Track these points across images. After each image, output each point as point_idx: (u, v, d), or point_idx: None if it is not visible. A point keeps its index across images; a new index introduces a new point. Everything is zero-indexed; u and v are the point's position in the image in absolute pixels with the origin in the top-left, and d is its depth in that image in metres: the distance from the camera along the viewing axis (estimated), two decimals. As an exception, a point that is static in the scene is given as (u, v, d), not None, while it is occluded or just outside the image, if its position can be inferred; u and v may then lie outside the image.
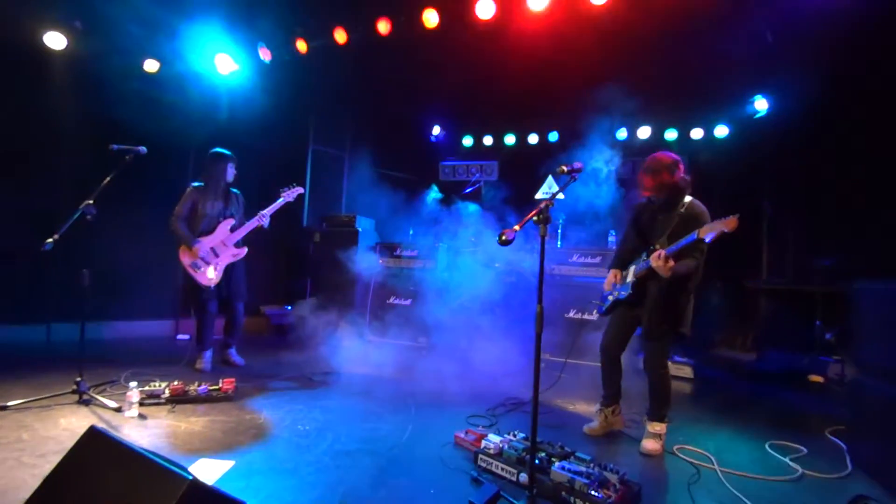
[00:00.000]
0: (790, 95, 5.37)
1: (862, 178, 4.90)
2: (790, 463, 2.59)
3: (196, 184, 3.92)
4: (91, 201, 2.98)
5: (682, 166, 2.74)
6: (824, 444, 2.93)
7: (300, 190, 4.12)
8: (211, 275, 3.79)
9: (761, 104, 5.66)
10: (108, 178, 3.04)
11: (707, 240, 2.38)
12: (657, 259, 2.53)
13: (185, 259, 3.80)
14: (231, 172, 3.99)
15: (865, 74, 4.66)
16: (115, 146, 3.09)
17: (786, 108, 5.50)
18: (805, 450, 2.76)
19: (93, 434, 1.25)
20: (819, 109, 5.05)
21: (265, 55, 5.19)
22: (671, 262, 2.51)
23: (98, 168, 3.05)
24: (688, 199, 2.73)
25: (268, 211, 3.95)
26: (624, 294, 2.86)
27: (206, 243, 3.81)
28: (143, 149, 3.18)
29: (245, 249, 3.95)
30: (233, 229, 3.90)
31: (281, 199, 4.03)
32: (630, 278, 2.84)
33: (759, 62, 4.99)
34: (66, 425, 2.60)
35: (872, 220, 4.78)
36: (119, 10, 4.51)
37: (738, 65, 5.00)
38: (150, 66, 5.00)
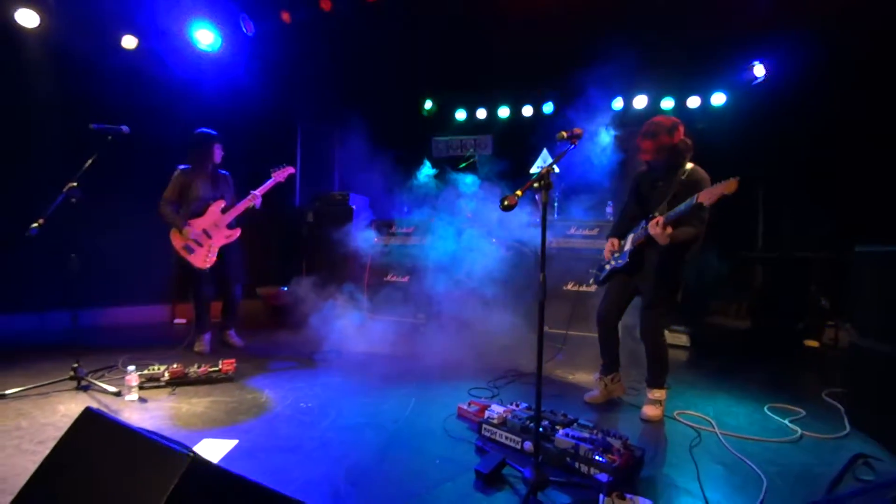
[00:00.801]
0: (788, 61, 5.27)
1: (859, 147, 4.86)
2: (789, 424, 2.62)
3: (183, 167, 3.82)
4: (75, 184, 2.89)
5: (681, 128, 2.69)
6: (822, 406, 2.97)
7: (291, 170, 4.02)
8: (205, 257, 3.72)
9: (759, 70, 5.55)
10: (91, 160, 2.94)
11: (706, 204, 2.35)
12: (655, 226, 2.50)
13: (177, 242, 3.73)
14: (218, 153, 3.88)
15: (864, 40, 4.56)
16: (95, 126, 2.98)
17: (784, 74, 5.40)
18: (803, 412, 2.80)
19: (89, 415, 1.22)
20: (817, 75, 4.96)
21: (248, 28, 4.99)
22: (669, 230, 2.48)
23: (80, 149, 2.95)
24: (689, 165, 2.68)
25: (259, 191, 3.87)
26: (621, 263, 2.84)
27: (197, 225, 3.74)
28: (125, 128, 3.07)
29: (238, 230, 3.89)
30: (224, 210, 3.82)
31: (272, 179, 3.94)
32: (628, 246, 2.82)
33: (757, 26, 4.86)
34: (66, 411, 2.58)
35: (867, 187, 4.76)
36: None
37: (735, 29, 4.88)
38: (128, 42, 4.79)
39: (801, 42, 4.72)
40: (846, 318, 4.13)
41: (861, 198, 4.78)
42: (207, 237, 3.77)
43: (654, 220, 2.51)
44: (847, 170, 4.95)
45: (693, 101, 6.01)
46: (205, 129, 3.85)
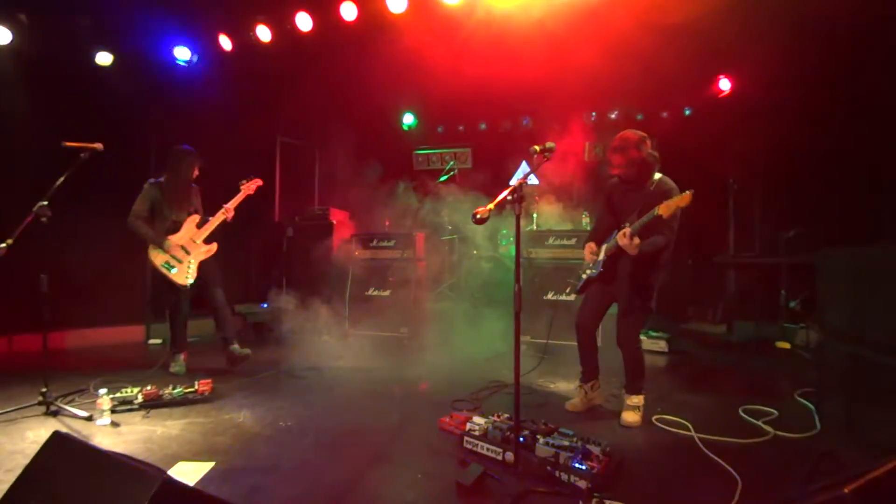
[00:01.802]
0: (751, 75, 5.51)
1: (820, 154, 5.09)
2: (763, 425, 2.69)
3: (153, 180, 3.75)
4: (45, 202, 2.82)
5: (648, 143, 2.77)
6: (794, 406, 3.05)
7: (259, 181, 4.01)
8: (186, 273, 3.66)
9: (724, 84, 5.80)
10: (63, 178, 2.89)
11: (666, 216, 2.46)
12: (623, 237, 2.58)
13: (157, 259, 3.65)
14: (195, 169, 3.83)
15: (822, 52, 4.81)
16: (67, 143, 2.93)
17: (748, 87, 5.65)
18: (776, 412, 2.87)
19: (57, 439, 1.19)
20: (779, 87, 5.21)
21: (226, 44, 5.00)
22: (637, 240, 2.56)
23: (52, 167, 2.89)
24: (657, 175, 2.77)
25: (230, 204, 3.82)
26: (596, 273, 2.91)
27: (174, 241, 3.69)
28: (99, 145, 3.02)
29: (215, 245, 3.83)
30: (199, 225, 3.77)
31: (241, 192, 3.91)
32: (601, 256, 2.89)
33: (721, 42, 5.08)
34: (35, 438, 2.48)
35: (831, 192, 4.97)
36: (67, 2, 4.26)
37: (700, 45, 5.09)
38: (103, 58, 4.75)
39: (763, 54, 4.94)
40: (814, 319, 4.28)
41: (827, 203, 4.99)
42: (185, 253, 3.71)
43: (622, 233, 2.59)
44: (813, 176, 5.17)
45: (664, 113, 6.22)
46: (186, 146, 3.81)
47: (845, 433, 2.53)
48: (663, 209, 2.44)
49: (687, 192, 2.37)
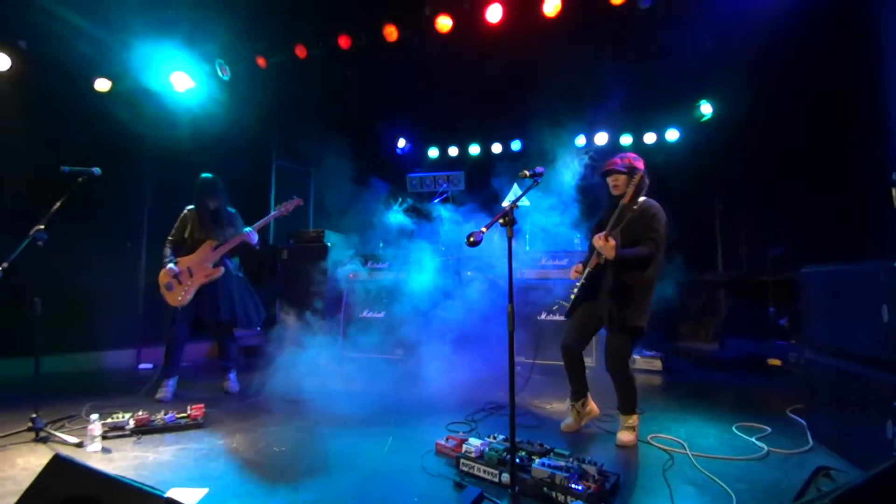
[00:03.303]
0: (732, 98, 5.73)
1: (802, 173, 5.27)
2: (756, 442, 2.72)
3: (190, 207, 3.88)
4: (42, 226, 2.85)
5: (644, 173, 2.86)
6: (786, 423, 3.09)
7: (298, 202, 4.01)
8: (180, 295, 3.67)
9: (706, 108, 6.02)
10: (60, 202, 2.92)
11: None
12: (598, 240, 2.62)
13: (162, 280, 3.74)
14: (218, 196, 3.86)
15: (798, 75, 5.04)
16: (66, 168, 2.97)
17: (729, 110, 5.86)
18: (769, 429, 2.91)
19: (58, 462, 1.19)
20: (759, 110, 5.41)
21: (223, 72, 5.12)
22: (612, 241, 2.60)
23: (50, 192, 2.92)
24: (642, 198, 2.84)
25: (254, 227, 3.84)
26: (580, 284, 2.90)
27: (183, 263, 3.74)
28: (96, 170, 3.07)
29: (221, 269, 3.80)
30: (216, 248, 3.79)
31: (276, 211, 3.93)
32: (586, 271, 2.89)
33: (702, 68, 5.31)
34: (24, 465, 2.44)
35: (814, 210, 5.12)
36: (66, 29, 4.35)
37: (682, 71, 5.31)
38: (102, 85, 4.83)
39: (742, 79, 5.16)
40: (800, 335, 4.35)
41: (811, 220, 5.12)
42: (189, 275, 3.74)
43: (597, 235, 2.65)
44: (797, 194, 5.32)
45: (649, 137, 6.41)
46: (205, 174, 3.88)
47: (836, 447, 2.56)
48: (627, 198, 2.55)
49: None
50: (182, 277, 3.72)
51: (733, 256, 5.97)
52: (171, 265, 3.69)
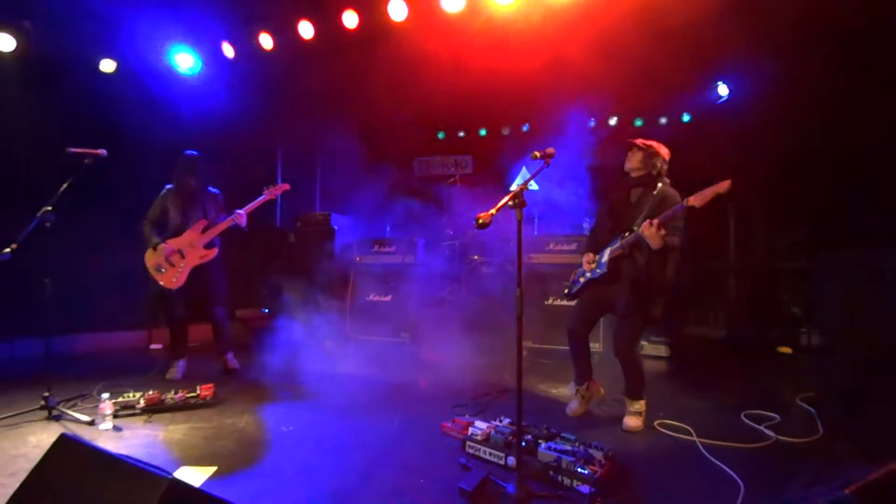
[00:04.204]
0: (750, 78, 5.55)
1: (822, 158, 5.12)
2: (764, 430, 2.69)
3: (169, 186, 3.80)
4: (50, 207, 2.85)
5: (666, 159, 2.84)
6: (796, 411, 3.05)
7: (285, 186, 3.98)
8: (173, 277, 3.65)
9: (723, 89, 5.84)
10: (67, 183, 2.91)
11: (698, 206, 2.47)
12: (648, 227, 2.56)
13: (150, 262, 3.66)
14: (201, 174, 3.82)
15: (823, 57, 4.85)
16: (71, 149, 2.96)
17: (746, 91, 5.68)
18: (778, 417, 2.87)
19: (64, 442, 1.20)
20: (778, 90, 5.24)
21: (228, 51, 5.05)
22: (662, 231, 2.55)
23: (56, 173, 2.92)
24: (660, 185, 2.80)
25: (245, 209, 3.79)
26: (599, 273, 2.89)
27: (172, 245, 3.67)
28: (103, 151, 3.05)
29: (215, 251, 3.79)
30: (205, 230, 3.76)
31: (262, 196, 3.87)
32: (605, 258, 2.87)
33: (718, 47, 5.12)
34: (37, 442, 2.49)
35: (833, 197, 4.99)
36: (71, 9, 4.30)
37: (698, 50, 5.13)
38: (107, 65, 4.79)
39: (761, 57, 4.97)
40: (814, 323, 4.28)
41: (827, 207, 5.00)
42: (181, 257, 3.68)
43: (647, 221, 2.58)
44: (813, 181, 5.19)
45: (662, 120, 6.25)
46: (189, 151, 3.82)
47: (847, 437, 2.53)
48: (696, 199, 2.45)
49: (725, 181, 2.36)
50: (174, 259, 3.67)
51: (747, 243, 5.86)
52: (162, 245, 3.62)
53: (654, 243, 2.58)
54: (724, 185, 2.37)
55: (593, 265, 2.95)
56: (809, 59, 4.74)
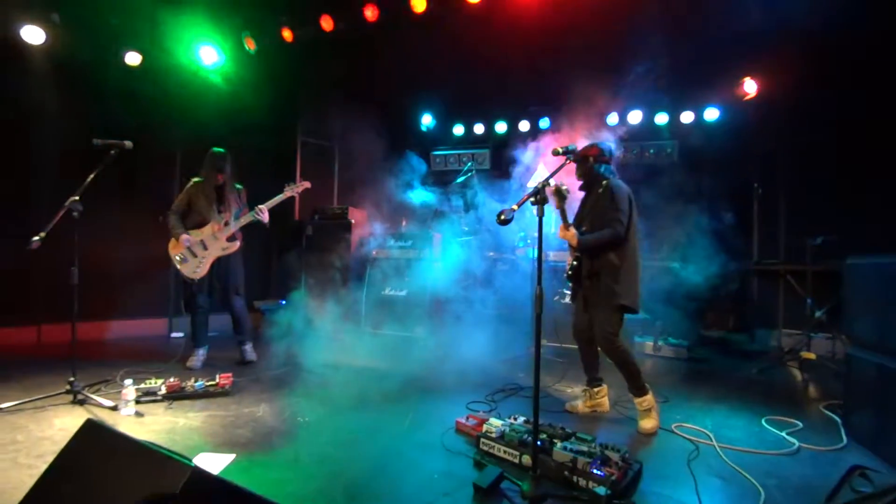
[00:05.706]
0: (778, 76, 5.38)
1: (850, 159, 4.95)
2: (787, 437, 2.63)
3: (196, 179, 3.89)
4: (77, 197, 2.92)
5: (604, 157, 2.88)
6: (819, 418, 2.98)
7: (306, 184, 4.04)
8: (195, 268, 3.75)
9: (750, 86, 5.67)
10: (94, 174, 2.97)
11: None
12: (560, 230, 2.75)
13: (173, 251, 3.80)
14: (228, 170, 3.88)
15: (850, 54, 4.68)
16: (97, 141, 3.02)
17: (774, 89, 5.51)
18: (801, 424, 2.80)
19: (90, 426, 1.23)
20: (807, 90, 5.07)
21: (250, 45, 5.09)
22: (572, 230, 2.70)
23: (83, 164, 2.98)
24: (605, 181, 2.82)
25: (266, 205, 3.86)
26: (568, 273, 3.00)
27: (196, 236, 3.78)
28: (128, 143, 3.11)
29: (238, 243, 3.89)
30: (228, 223, 3.85)
31: (284, 194, 3.93)
32: (569, 262, 2.99)
33: (747, 43, 4.98)
34: (62, 425, 2.57)
35: (860, 199, 4.84)
36: (98, 2, 4.38)
37: (726, 47, 4.99)
38: (132, 59, 4.87)
39: (790, 56, 4.82)
40: (841, 329, 4.15)
41: (855, 209, 4.84)
42: (203, 249, 3.80)
43: (560, 226, 2.75)
44: (841, 182, 5.03)
45: (687, 117, 6.10)
46: (216, 148, 3.90)
47: (873, 447, 2.45)
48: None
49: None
50: (196, 249, 3.78)
51: (770, 244, 5.71)
52: (185, 235, 3.71)
53: (572, 242, 2.75)
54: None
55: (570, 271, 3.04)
56: (840, 51, 4.57)
